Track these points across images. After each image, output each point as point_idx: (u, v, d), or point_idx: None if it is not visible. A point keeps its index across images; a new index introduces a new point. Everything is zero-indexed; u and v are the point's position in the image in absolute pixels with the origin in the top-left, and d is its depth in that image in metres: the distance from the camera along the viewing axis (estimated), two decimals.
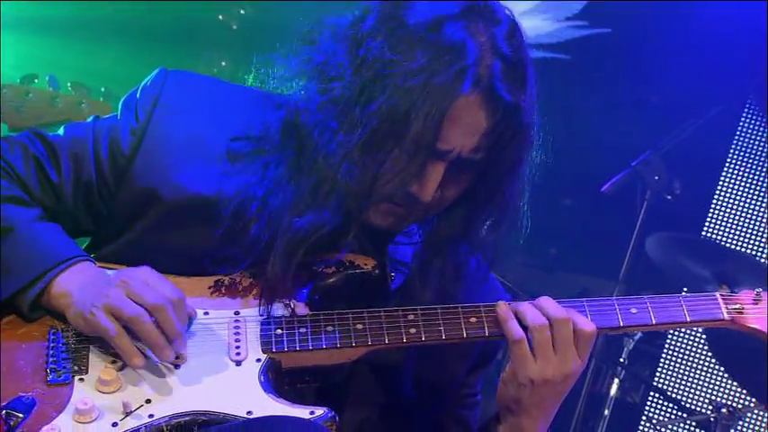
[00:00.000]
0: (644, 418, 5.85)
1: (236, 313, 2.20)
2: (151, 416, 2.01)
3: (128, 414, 1.99)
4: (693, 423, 5.65)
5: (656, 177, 5.38)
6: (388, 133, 2.01)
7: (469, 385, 2.43)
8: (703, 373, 5.92)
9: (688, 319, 2.20)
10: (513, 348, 2.10)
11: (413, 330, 2.16)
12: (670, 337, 5.97)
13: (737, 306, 2.23)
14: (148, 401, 2.03)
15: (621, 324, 2.19)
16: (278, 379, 2.13)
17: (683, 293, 2.24)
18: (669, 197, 5.56)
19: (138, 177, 2.21)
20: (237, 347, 2.14)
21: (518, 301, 2.15)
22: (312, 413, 2.02)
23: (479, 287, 2.36)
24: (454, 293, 2.24)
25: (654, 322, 2.20)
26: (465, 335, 2.17)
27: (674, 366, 5.96)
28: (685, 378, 5.94)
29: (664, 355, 5.97)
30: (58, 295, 2.08)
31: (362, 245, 2.27)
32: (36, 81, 3.55)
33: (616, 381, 5.43)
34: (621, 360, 5.43)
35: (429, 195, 2.09)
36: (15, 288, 2.06)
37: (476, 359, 2.39)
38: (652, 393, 5.88)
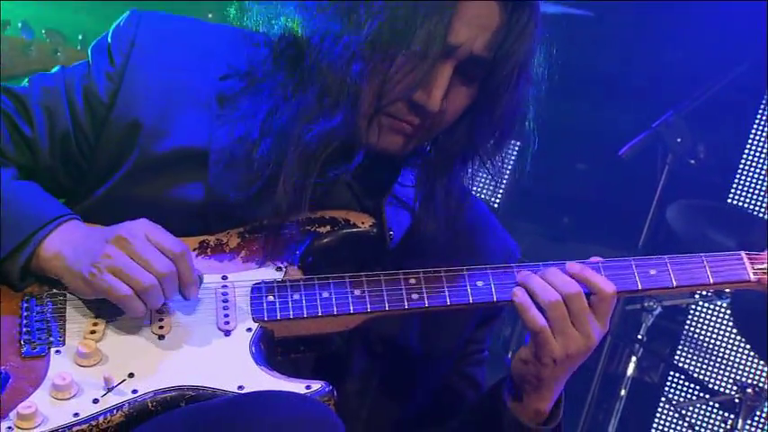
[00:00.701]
0: (663, 399, 5.88)
1: (224, 278, 2.20)
2: (135, 391, 2.00)
3: (109, 390, 1.99)
4: (717, 404, 5.68)
5: (679, 140, 5.38)
6: (398, 28, 2.06)
7: (477, 341, 2.45)
8: (728, 351, 5.94)
9: (711, 281, 2.20)
10: (535, 336, 2.13)
11: (415, 296, 2.17)
12: (692, 312, 5.99)
13: (765, 266, 2.23)
14: (131, 375, 2.03)
15: (640, 287, 2.20)
16: (270, 350, 2.14)
17: (706, 254, 2.24)
18: (692, 162, 5.55)
19: (118, 125, 2.21)
20: (226, 316, 2.14)
21: (525, 272, 2.15)
22: (308, 388, 2.02)
23: (487, 240, 2.40)
24: (461, 243, 2.28)
25: (675, 284, 2.20)
26: (471, 300, 2.18)
27: (697, 344, 5.98)
28: (708, 356, 5.96)
29: (685, 332, 5.99)
30: (50, 257, 2.06)
31: (359, 200, 2.29)
32: (8, 28, 3.52)
33: (633, 359, 5.45)
34: (639, 337, 5.45)
35: (437, 103, 2.13)
36: (2, 255, 2.05)
37: (483, 313, 2.42)
38: (672, 373, 5.91)
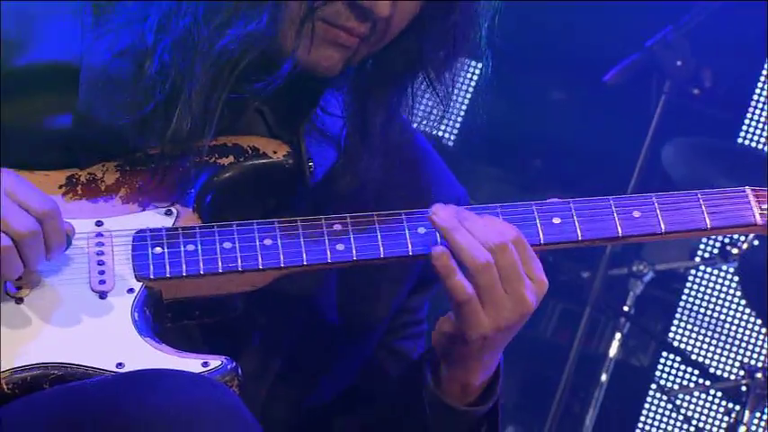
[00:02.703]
0: (654, 386, 6.00)
1: (99, 224, 2.19)
2: None
3: None
4: (719, 393, 5.81)
5: (679, 63, 5.44)
6: None
7: (411, 310, 2.48)
8: (734, 328, 6.06)
9: (709, 225, 2.22)
10: (460, 308, 2.14)
11: (340, 246, 2.18)
12: (691, 279, 6.09)
13: None
14: None
15: (620, 233, 2.22)
16: (158, 316, 2.14)
17: (703, 191, 2.26)
18: (695, 91, 5.63)
19: None
20: (102, 273, 2.14)
21: (447, 216, 2.15)
22: (206, 365, 2.04)
23: (431, 182, 2.41)
24: (398, 184, 2.30)
25: (664, 230, 2.22)
26: (411, 251, 2.20)
27: (696, 318, 6.10)
28: (710, 334, 6.08)
29: (682, 304, 6.10)
30: None
31: (271, 129, 2.30)
32: None
33: (618, 337, 5.55)
34: (625, 309, 5.54)
35: (386, 6, 2.17)
36: None
37: (418, 276, 2.44)
38: (665, 354, 6.03)
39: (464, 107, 5.99)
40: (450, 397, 2.23)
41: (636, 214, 2.23)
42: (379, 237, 2.20)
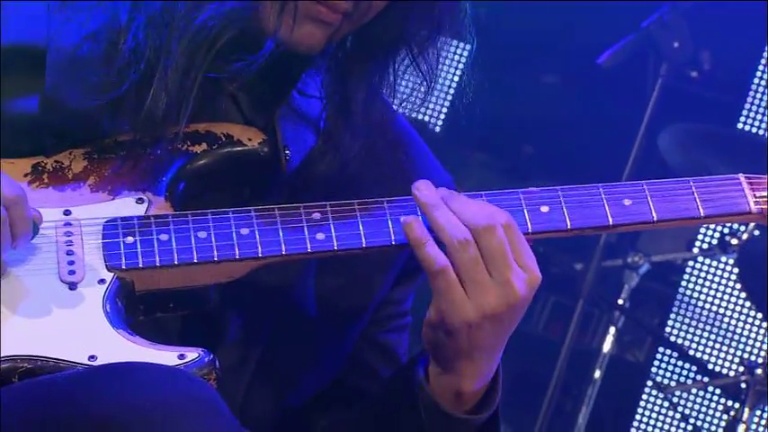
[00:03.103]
0: (650, 383, 6.02)
1: (67, 213, 2.20)
2: None
3: None
4: (718, 389, 5.84)
5: (676, 45, 5.45)
6: None
7: (395, 302, 2.49)
8: (733, 322, 6.09)
9: (702, 213, 2.24)
10: (434, 282, 2.13)
11: (320, 235, 2.19)
12: (688, 271, 6.10)
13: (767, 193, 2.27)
14: None
15: (611, 222, 2.24)
16: (130, 308, 2.15)
17: (696, 178, 2.28)
18: (693, 74, 5.66)
19: None
20: (71, 264, 2.14)
21: (427, 192, 2.17)
22: (182, 357, 2.04)
23: (415, 169, 2.41)
24: (380, 170, 2.31)
25: (655, 218, 2.24)
26: (394, 240, 2.21)
27: (694, 312, 6.12)
28: (708, 328, 6.11)
29: (679, 297, 6.12)
30: None
31: (246, 115, 2.31)
32: None
33: (612, 331, 5.57)
34: (620, 303, 5.57)
35: None
36: None
37: (402, 266, 2.45)
38: (662, 349, 6.05)
39: (451, 90, 6.00)
40: (445, 403, 2.21)
41: (627, 202, 2.24)
42: (360, 225, 2.21)
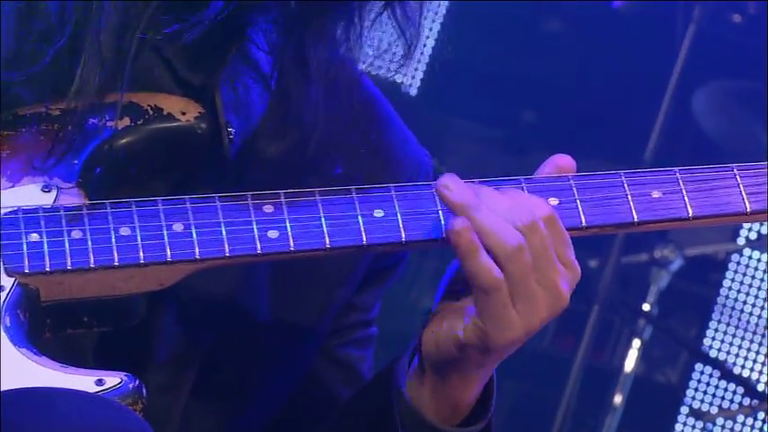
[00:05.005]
0: (685, 409, 6.05)
1: None
2: None
3: None
4: None
5: None
6: None
7: (359, 308, 2.54)
8: None
9: (748, 209, 2.27)
10: (485, 300, 2.15)
11: (273, 234, 2.20)
12: (731, 267, 6.11)
13: None
14: None
15: (636, 219, 2.27)
16: (35, 321, 2.14)
17: (739, 165, 2.29)
18: (736, 18, 5.68)
19: None
20: None
21: (464, 190, 2.19)
22: (100, 383, 2.05)
23: (386, 144, 2.46)
24: (345, 148, 2.35)
25: (691, 215, 2.27)
26: (365, 240, 2.24)
27: (739, 320, 6.13)
28: (757, 340, 6.10)
29: (721, 300, 6.13)
30: None
31: (181, 83, 2.32)
32: None
33: (636, 345, 5.60)
34: (646, 309, 5.60)
35: None
36: None
37: (373, 265, 2.48)
38: (700, 367, 6.06)
39: (430, 42, 6.00)
40: (435, 416, 2.25)
41: (655, 194, 2.27)
42: (323, 221, 2.22)
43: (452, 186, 2.18)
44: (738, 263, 6.17)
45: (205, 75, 2.35)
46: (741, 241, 5.94)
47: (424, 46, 6.00)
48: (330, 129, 2.36)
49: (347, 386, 2.51)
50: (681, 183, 2.29)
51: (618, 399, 5.53)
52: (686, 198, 2.28)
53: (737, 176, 2.30)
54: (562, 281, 2.18)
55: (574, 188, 2.28)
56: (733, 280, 6.18)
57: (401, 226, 2.23)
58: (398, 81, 5.97)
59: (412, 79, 6.16)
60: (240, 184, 2.27)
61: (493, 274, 2.15)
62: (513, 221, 2.16)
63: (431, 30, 5.94)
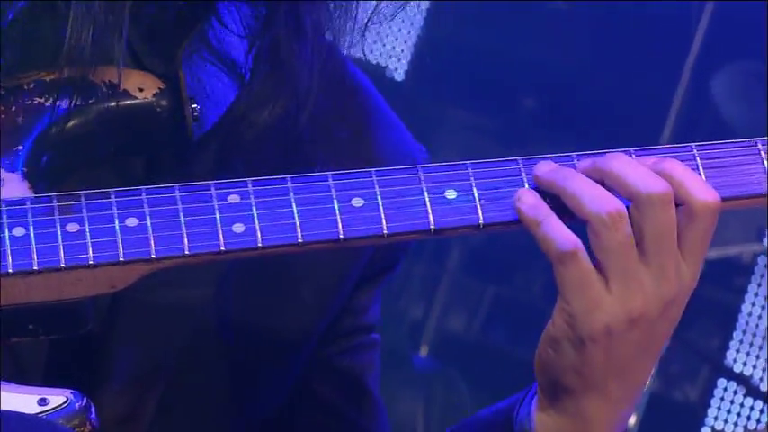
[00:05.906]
0: (707, 429, 6.07)
1: None
2: None
3: None
4: None
5: None
6: None
7: (357, 311, 2.53)
8: None
9: None
10: (562, 271, 2.14)
11: (239, 227, 2.18)
12: (758, 271, 6.14)
13: None
14: None
15: None
16: None
17: (764, 138, 2.28)
18: None
19: None
20: None
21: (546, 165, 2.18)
22: (43, 402, 2.06)
23: (370, 131, 2.48)
24: (324, 133, 2.37)
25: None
26: (342, 234, 2.24)
27: (766, 333, 6.19)
28: None
29: (746, 308, 6.17)
30: None
31: (141, 59, 2.33)
32: None
33: None
34: None
35: None
36: None
37: (370, 262, 2.49)
38: (723, 382, 6.10)
39: (418, 21, 6.02)
40: None
41: None
42: (295, 211, 2.22)
43: (543, 167, 2.18)
44: (766, 266, 6.19)
45: (166, 52, 2.35)
46: None
47: (411, 24, 6.04)
48: (309, 117, 2.36)
49: (348, 398, 2.53)
50: (698, 160, 2.29)
51: (632, 419, 5.54)
52: (703, 177, 2.28)
53: (762, 151, 2.30)
54: (678, 267, 2.15)
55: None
56: (760, 285, 6.21)
57: (383, 216, 2.23)
58: (383, 65, 5.99)
59: (398, 62, 6.19)
60: (204, 173, 2.27)
61: (567, 239, 2.14)
62: (634, 187, 2.15)
63: (419, 7, 5.96)
